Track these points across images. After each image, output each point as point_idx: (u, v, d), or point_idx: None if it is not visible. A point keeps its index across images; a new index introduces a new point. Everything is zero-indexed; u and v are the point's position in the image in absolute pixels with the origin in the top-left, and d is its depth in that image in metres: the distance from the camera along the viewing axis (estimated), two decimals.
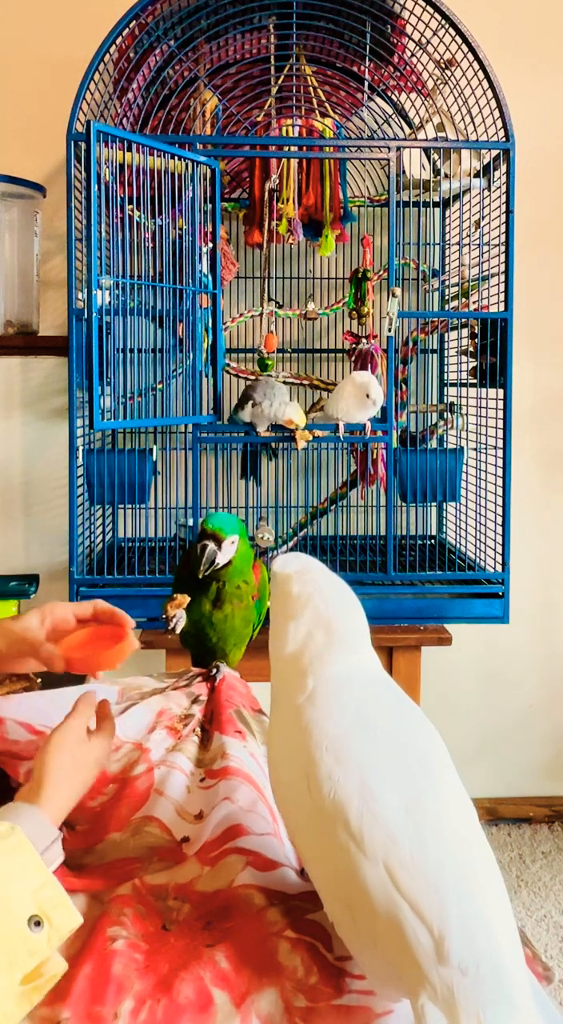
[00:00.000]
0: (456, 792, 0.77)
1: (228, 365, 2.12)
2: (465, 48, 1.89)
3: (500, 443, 1.95)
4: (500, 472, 1.95)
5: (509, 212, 1.90)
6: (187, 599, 1.24)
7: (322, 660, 0.84)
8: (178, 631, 1.26)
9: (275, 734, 0.86)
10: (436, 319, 2.07)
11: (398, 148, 1.89)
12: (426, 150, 1.96)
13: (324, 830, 0.75)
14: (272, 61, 2.00)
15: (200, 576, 1.21)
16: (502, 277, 1.93)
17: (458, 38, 1.89)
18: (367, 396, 1.86)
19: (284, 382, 2.11)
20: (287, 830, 0.84)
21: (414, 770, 0.77)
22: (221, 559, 1.21)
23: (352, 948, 0.75)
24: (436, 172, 1.96)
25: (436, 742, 0.81)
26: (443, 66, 1.96)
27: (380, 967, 0.71)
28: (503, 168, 1.92)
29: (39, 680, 1.48)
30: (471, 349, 2.02)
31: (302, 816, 0.78)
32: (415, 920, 0.69)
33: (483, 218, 1.98)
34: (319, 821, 0.75)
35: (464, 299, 2.00)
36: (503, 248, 1.93)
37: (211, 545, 1.19)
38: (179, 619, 1.25)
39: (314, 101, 1.99)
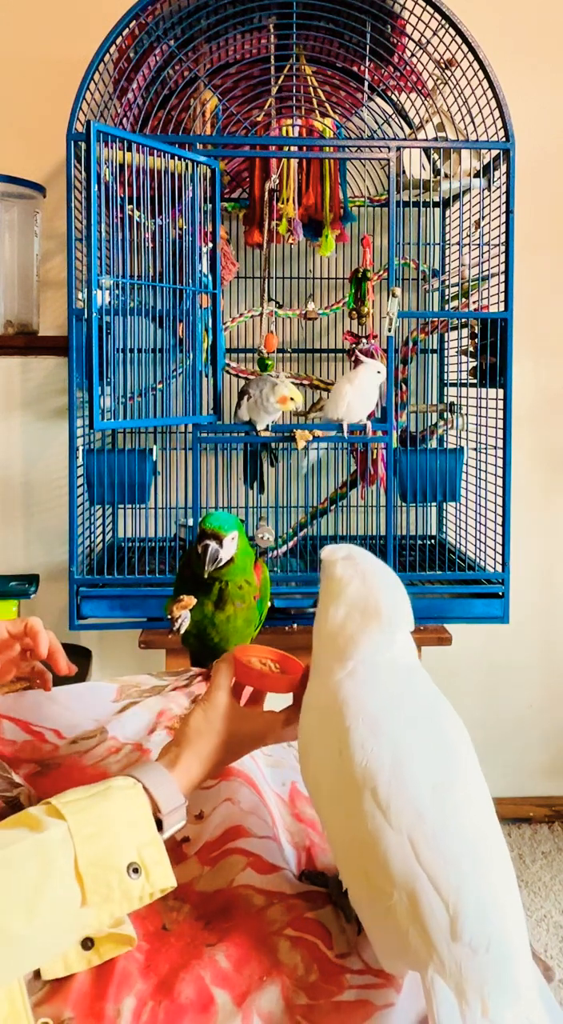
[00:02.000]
0: (479, 786, 0.79)
1: (228, 365, 2.12)
2: (465, 48, 1.89)
3: (500, 443, 1.95)
4: (500, 472, 1.95)
5: (509, 212, 1.90)
6: (193, 600, 1.23)
7: (356, 640, 0.85)
8: (182, 632, 1.26)
9: (311, 704, 0.87)
10: (436, 319, 2.07)
11: (398, 148, 1.89)
12: (426, 150, 1.96)
13: (351, 796, 0.76)
14: (272, 61, 2.00)
15: (206, 576, 1.21)
16: (502, 277, 1.93)
17: (458, 38, 1.89)
18: (378, 372, 1.86)
19: None
20: (311, 796, 0.86)
21: (443, 757, 0.79)
22: (224, 556, 1.21)
23: (364, 917, 0.76)
24: (436, 172, 1.96)
25: (465, 737, 0.83)
26: (443, 66, 1.96)
27: (391, 938, 0.73)
28: (503, 168, 1.92)
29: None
30: (471, 349, 2.02)
31: (329, 781, 0.79)
32: (433, 893, 0.71)
33: (483, 218, 1.98)
34: (347, 787, 0.76)
35: (464, 299, 2.00)
36: (503, 248, 1.93)
37: (213, 544, 1.19)
38: (184, 620, 1.24)
39: (314, 101, 1.99)
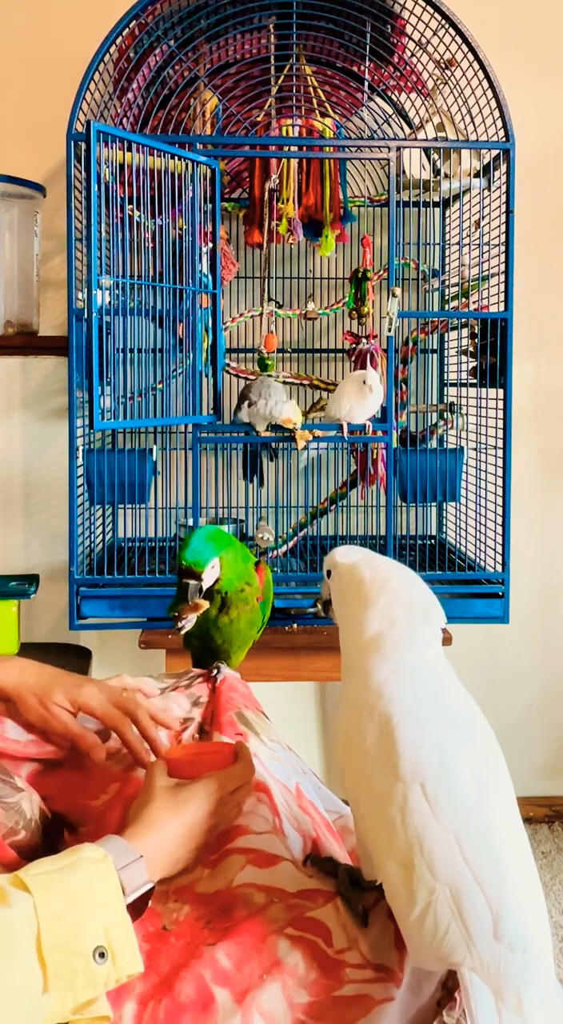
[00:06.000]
0: (510, 788, 0.81)
1: (228, 365, 2.12)
2: (465, 48, 1.89)
3: (500, 443, 1.95)
4: (500, 472, 1.95)
5: (509, 212, 1.90)
6: (206, 604, 1.23)
7: (405, 641, 0.86)
8: (183, 632, 1.26)
9: (351, 703, 0.85)
10: (436, 319, 2.07)
11: (398, 148, 1.89)
12: (426, 150, 1.96)
13: (397, 791, 0.76)
14: (272, 61, 2.00)
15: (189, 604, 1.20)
16: (502, 277, 1.93)
17: (458, 38, 1.89)
18: (364, 383, 1.86)
19: (284, 382, 2.11)
20: (347, 792, 0.85)
21: (482, 758, 0.80)
22: (207, 585, 1.20)
23: (400, 912, 0.76)
24: (436, 172, 1.96)
25: (498, 749, 0.84)
26: (443, 66, 1.96)
27: (428, 933, 0.73)
28: (503, 168, 1.92)
29: None
30: (471, 349, 2.02)
31: (370, 775, 0.79)
32: (477, 891, 0.72)
33: (483, 218, 1.98)
34: (393, 781, 0.77)
35: (464, 299, 2.00)
36: (503, 248, 1.93)
37: (192, 583, 1.19)
38: (188, 621, 1.24)
39: (314, 101, 1.99)
